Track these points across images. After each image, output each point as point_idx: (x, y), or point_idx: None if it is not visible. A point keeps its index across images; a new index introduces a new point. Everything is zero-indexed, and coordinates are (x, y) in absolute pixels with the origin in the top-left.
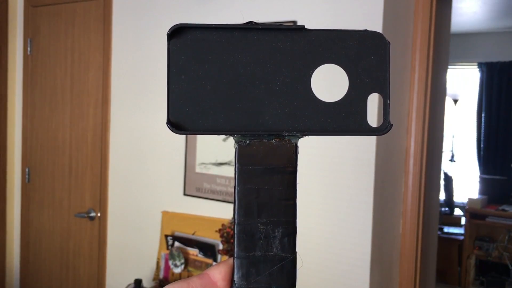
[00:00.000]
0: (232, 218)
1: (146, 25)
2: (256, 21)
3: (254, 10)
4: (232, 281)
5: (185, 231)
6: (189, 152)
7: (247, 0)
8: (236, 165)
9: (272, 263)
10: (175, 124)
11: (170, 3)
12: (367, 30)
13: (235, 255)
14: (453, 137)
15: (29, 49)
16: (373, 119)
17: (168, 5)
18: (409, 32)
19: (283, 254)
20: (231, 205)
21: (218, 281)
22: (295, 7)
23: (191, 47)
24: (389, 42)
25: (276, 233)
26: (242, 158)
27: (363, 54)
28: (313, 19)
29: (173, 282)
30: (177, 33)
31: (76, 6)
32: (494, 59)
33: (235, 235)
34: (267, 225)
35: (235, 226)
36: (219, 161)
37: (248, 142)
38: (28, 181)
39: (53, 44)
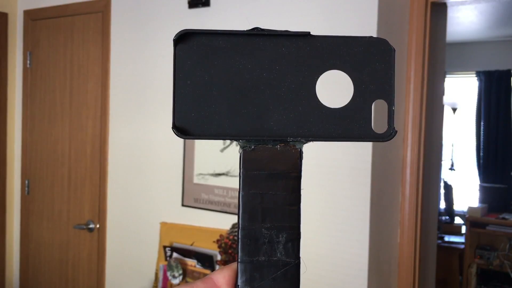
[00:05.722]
0: (237, 223)
1: (144, 38)
2: (262, 27)
3: (250, 20)
4: (235, 285)
5: (183, 242)
6: (187, 163)
7: (243, 12)
8: (241, 170)
9: (275, 268)
10: (181, 128)
11: (168, 16)
12: (372, 36)
13: (239, 260)
14: (452, 145)
15: (28, 62)
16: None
17: (166, 18)
18: (404, 41)
19: (287, 259)
20: (229, 216)
21: (221, 285)
22: (288, 19)
23: (197, 53)
24: (394, 49)
25: (280, 238)
26: (247, 163)
27: (368, 61)
28: (306, 30)
29: (178, 286)
30: (183, 39)
31: (75, 19)
32: (492, 67)
33: (239, 240)
34: (271, 230)
35: (239, 230)
36: (217, 171)
37: (253, 147)
38: (28, 193)
39: (53, 57)
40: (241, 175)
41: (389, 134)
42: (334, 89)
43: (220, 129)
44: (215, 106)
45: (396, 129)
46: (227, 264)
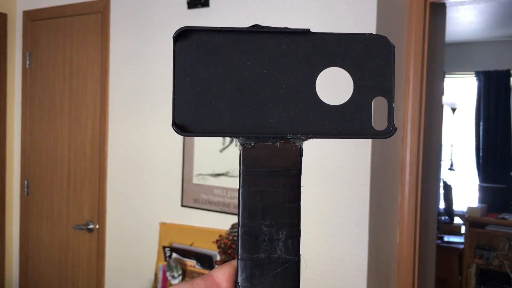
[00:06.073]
0: (236, 223)
1: (144, 38)
2: (262, 24)
3: (249, 18)
4: (236, 282)
5: (183, 242)
6: (187, 163)
7: (242, 12)
8: (241, 168)
9: (276, 265)
10: (181, 126)
11: (167, 17)
12: (372, 33)
13: (239, 257)
14: (451, 146)
15: (28, 62)
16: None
17: (165, 19)
18: (403, 41)
19: (287, 257)
20: (229, 216)
21: (222, 282)
22: (288, 19)
23: (197, 50)
24: (394, 46)
25: (280, 236)
26: (247, 161)
27: (368, 58)
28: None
29: (178, 283)
30: (183, 36)
31: (74, 20)
32: (491, 67)
33: (239, 237)
34: (271, 227)
35: (239, 228)
36: (216, 172)
37: (253, 144)
38: (27, 193)
39: (52, 57)
40: (241, 172)
41: (389, 131)
42: (334, 86)
43: (220, 126)
44: (215, 103)
45: (396, 126)
46: None
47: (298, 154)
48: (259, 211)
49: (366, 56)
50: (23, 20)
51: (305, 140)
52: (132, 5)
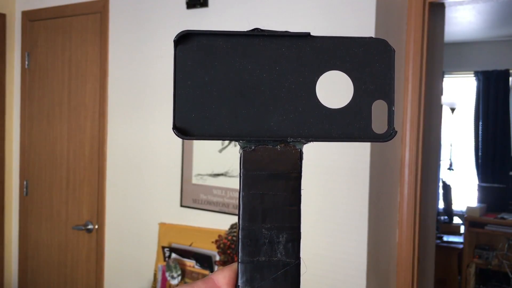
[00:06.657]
0: (237, 223)
1: (142, 38)
2: (262, 28)
3: (249, 21)
4: (236, 285)
5: (182, 243)
6: (186, 164)
7: (241, 13)
8: (241, 171)
9: (276, 268)
10: (181, 129)
11: (166, 17)
12: (372, 37)
13: (239, 260)
14: (451, 145)
15: (26, 62)
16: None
17: (164, 19)
18: (402, 41)
19: (287, 260)
20: (228, 216)
21: (222, 285)
22: (286, 20)
23: (198, 53)
24: (394, 49)
25: (280, 239)
26: (247, 164)
27: (368, 61)
28: (304, 30)
29: (179, 286)
30: (183, 39)
31: (73, 20)
32: (490, 67)
33: (240, 240)
34: (272, 231)
35: (240, 231)
36: (215, 172)
37: (253, 147)
38: (26, 194)
39: (51, 57)
40: (241, 175)
41: (389, 134)
42: (334, 89)
43: (221, 129)
44: (216, 107)
45: (396, 129)
46: (226, 264)
47: (299, 157)
48: (259, 214)
49: (366, 60)
50: (22, 20)
51: (305, 144)
52: (131, 5)
